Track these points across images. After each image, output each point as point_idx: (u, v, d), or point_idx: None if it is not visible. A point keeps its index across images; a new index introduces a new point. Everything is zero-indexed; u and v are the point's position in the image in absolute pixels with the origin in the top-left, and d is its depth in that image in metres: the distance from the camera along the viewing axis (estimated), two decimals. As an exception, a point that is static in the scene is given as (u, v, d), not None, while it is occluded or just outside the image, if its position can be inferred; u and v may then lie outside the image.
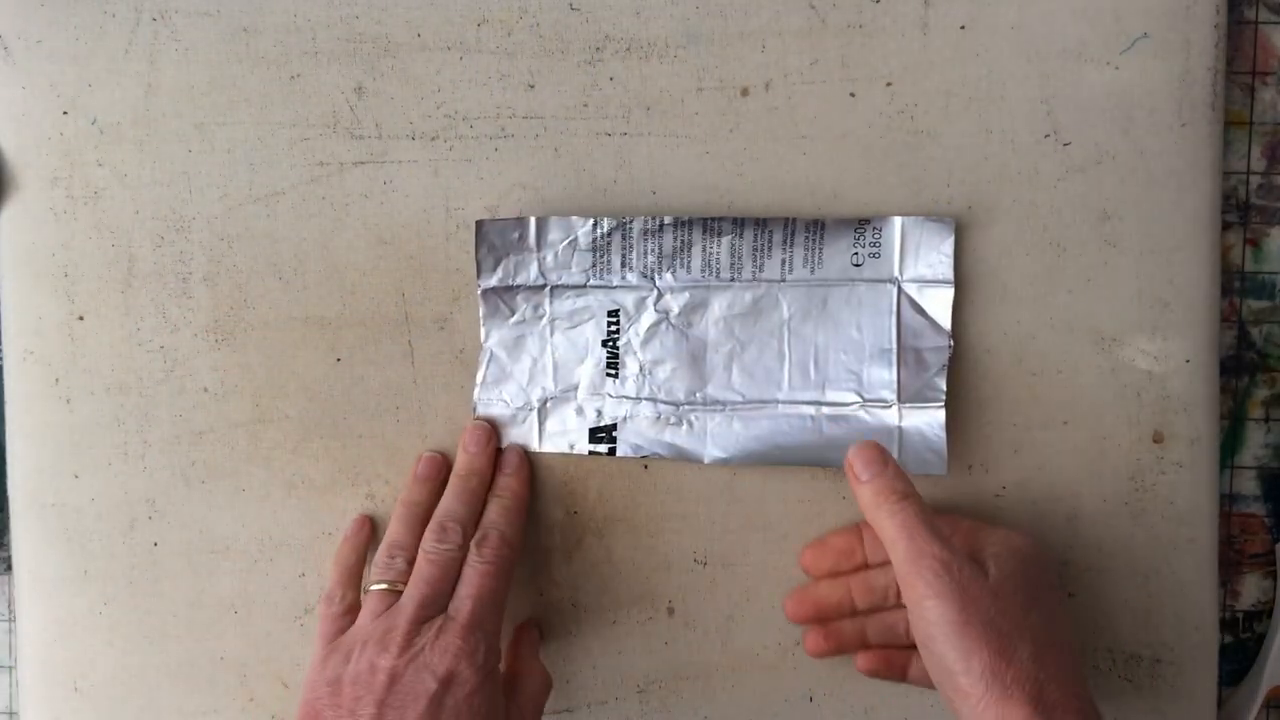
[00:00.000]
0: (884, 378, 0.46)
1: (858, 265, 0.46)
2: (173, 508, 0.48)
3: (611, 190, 0.47)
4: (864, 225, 0.46)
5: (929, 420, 0.46)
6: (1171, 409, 0.47)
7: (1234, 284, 0.49)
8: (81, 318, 0.47)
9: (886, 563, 0.44)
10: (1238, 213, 0.49)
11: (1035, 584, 0.40)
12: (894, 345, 0.46)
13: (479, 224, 0.46)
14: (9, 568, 0.50)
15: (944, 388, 0.46)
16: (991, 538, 0.42)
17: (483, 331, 0.47)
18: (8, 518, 0.49)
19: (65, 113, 0.47)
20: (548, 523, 0.48)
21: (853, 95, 0.46)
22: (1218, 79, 0.46)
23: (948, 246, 0.46)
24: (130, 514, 0.48)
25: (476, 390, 0.47)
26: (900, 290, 0.46)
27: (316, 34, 0.46)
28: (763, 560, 0.48)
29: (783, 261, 0.46)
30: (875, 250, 0.46)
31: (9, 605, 0.51)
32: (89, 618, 0.48)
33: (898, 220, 0.46)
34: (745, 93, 0.46)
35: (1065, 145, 0.46)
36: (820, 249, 0.46)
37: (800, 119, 0.46)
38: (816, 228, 0.46)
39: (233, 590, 0.48)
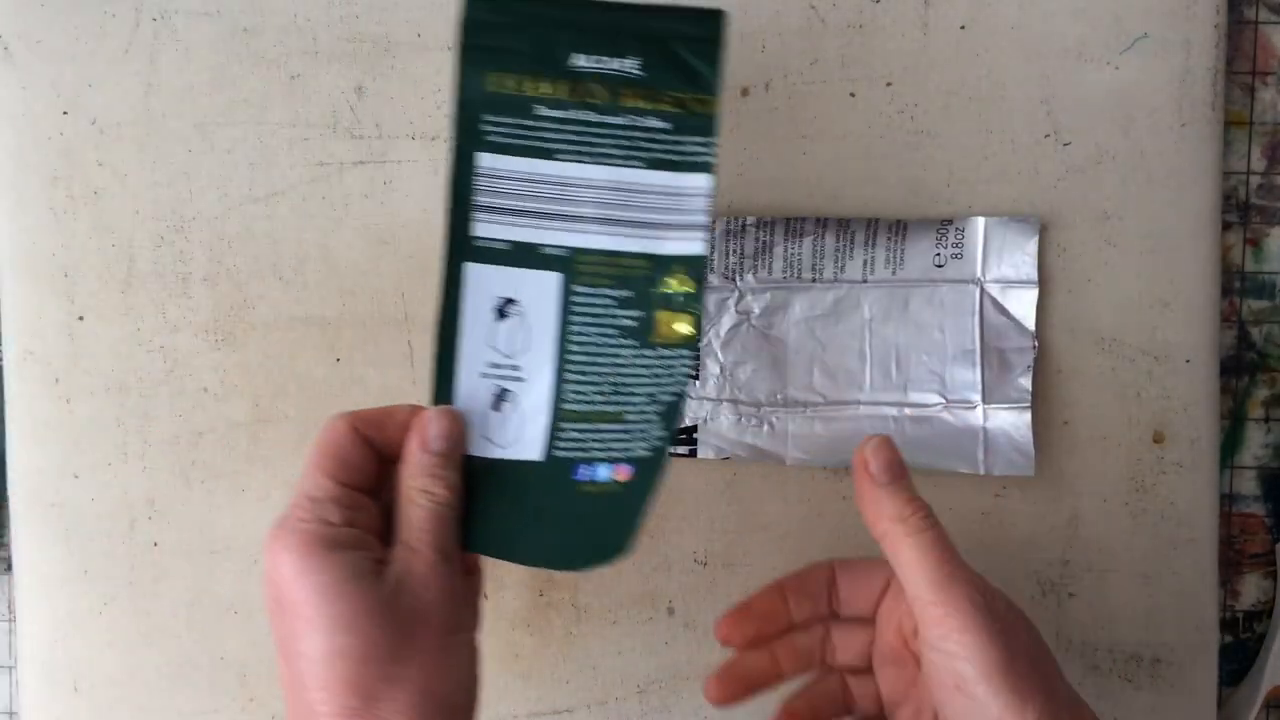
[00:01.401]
0: (967, 378, 0.46)
1: (940, 266, 0.46)
2: (173, 508, 0.48)
3: (611, 190, 0.47)
4: (946, 226, 0.46)
5: (1015, 422, 0.46)
6: (1171, 409, 0.47)
7: (1234, 284, 0.49)
8: (81, 318, 0.47)
9: (813, 621, 0.40)
10: (1238, 213, 0.49)
11: (1025, 664, 0.35)
12: (977, 346, 0.46)
13: None
14: (9, 568, 0.50)
15: (1029, 388, 0.46)
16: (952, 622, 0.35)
17: None
18: (8, 518, 0.49)
19: (65, 113, 0.47)
20: (548, 523, 0.48)
21: (853, 95, 0.46)
22: (1218, 79, 0.46)
23: (1031, 246, 0.46)
24: (130, 514, 0.48)
25: None
26: (983, 291, 0.46)
27: (316, 34, 0.46)
28: (763, 560, 0.48)
29: (865, 262, 0.46)
30: (957, 251, 0.46)
31: (9, 605, 0.51)
32: (89, 618, 0.48)
33: (980, 220, 0.46)
34: (745, 93, 0.46)
35: (1065, 145, 0.46)
36: (902, 250, 0.46)
37: (800, 119, 0.46)
38: (899, 228, 0.46)
39: (233, 590, 0.48)
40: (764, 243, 0.46)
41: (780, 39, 0.46)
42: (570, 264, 0.37)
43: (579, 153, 0.37)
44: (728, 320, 0.47)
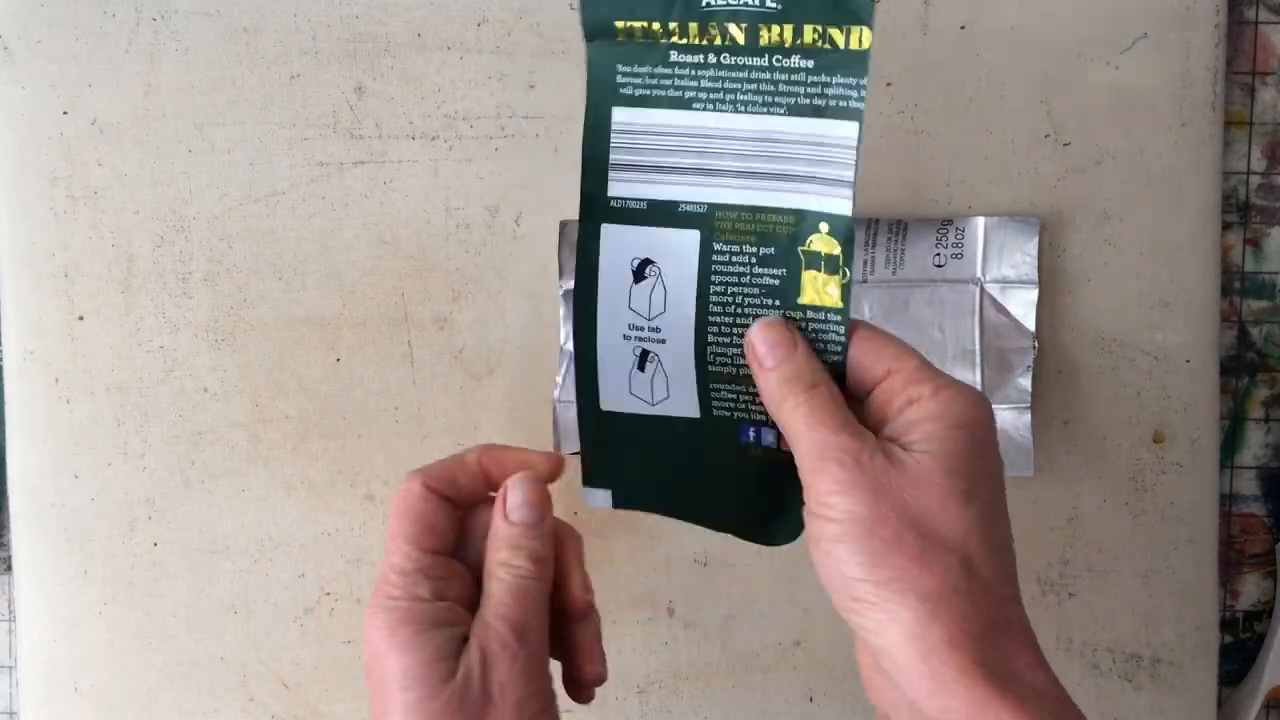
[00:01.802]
0: (967, 378, 0.46)
1: (940, 266, 0.46)
2: (173, 508, 0.48)
3: (611, 190, 0.47)
4: (946, 226, 0.46)
5: (1015, 422, 0.46)
6: (1171, 409, 0.47)
7: (1234, 284, 0.49)
8: (81, 318, 0.47)
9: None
10: (1238, 213, 0.49)
11: (977, 468, 0.32)
12: (977, 346, 0.46)
13: (563, 225, 0.46)
14: (9, 568, 0.50)
15: (1029, 389, 0.46)
16: (927, 408, 0.32)
17: (562, 333, 0.47)
18: (8, 518, 0.49)
19: (65, 113, 0.47)
20: (548, 523, 0.48)
21: (853, 95, 0.46)
22: (1218, 79, 0.46)
23: (1031, 247, 0.46)
24: (130, 514, 0.48)
25: (556, 391, 0.47)
26: (983, 291, 0.46)
27: (316, 34, 0.46)
28: (763, 560, 0.48)
29: (864, 262, 0.46)
30: (958, 251, 0.46)
31: (9, 605, 0.51)
32: (89, 618, 0.48)
33: (980, 220, 0.46)
34: (745, 93, 0.46)
35: (1065, 145, 0.46)
36: (902, 250, 0.46)
37: (800, 119, 0.46)
38: (899, 228, 0.46)
39: (233, 590, 0.48)
40: None
41: (780, 39, 0.46)
42: (709, 220, 0.34)
43: (717, 100, 0.34)
44: None
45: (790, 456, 0.33)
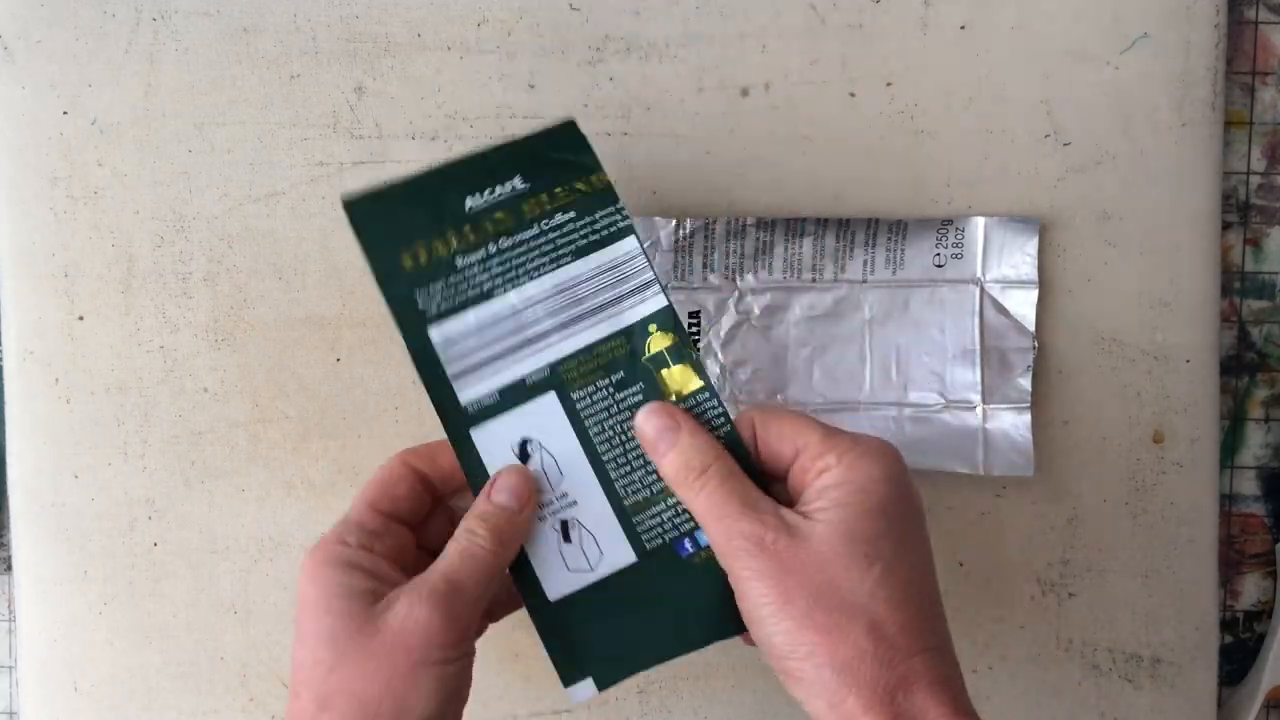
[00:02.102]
0: (967, 379, 0.46)
1: (940, 266, 0.46)
2: (173, 508, 0.48)
3: (611, 190, 0.47)
4: (946, 226, 0.46)
5: (1014, 422, 0.46)
6: (1171, 409, 0.47)
7: (1234, 284, 0.49)
8: (81, 318, 0.47)
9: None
10: (1238, 213, 0.49)
11: (878, 527, 0.33)
12: (977, 346, 0.46)
13: None
14: (9, 568, 0.50)
15: (1029, 389, 0.46)
16: (834, 475, 0.34)
17: None
18: (8, 518, 0.49)
19: (65, 113, 0.47)
20: (548, 523, 0.48)
21: (853, 95, 0.46)
22: (1218, 79, 0.46)
23: (1031, 247, 0.46)
24: (130, 514, 0.48)
25: None
26: (983, 291, 0.46)
27: (316, 34, 0.46)
28: (763, 560, 0.48)
29: (864, 262, 0.46)
30: (958, 251, 0.46)
31: (9, 605, 0.51)
32: (89, 618, 0.48)
33: (980, 220, 0.46)
34: (745, 93, 0.46)
35: (1065, 145, 0.46)
36: (902, 250, 0.46)
37: (800, 119, 0.46)
38: (899, 228, 0.46)
39: (233, 590, 0.48)
40: (764, 243, 0.46)
41: (780, 39, 0.46)
42: (558, 378, 0.38)
43: (513, 279, 0.38)
44: (728, 320, 0.47)
45: None
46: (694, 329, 0.47)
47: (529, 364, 0.38)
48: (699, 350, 0.37)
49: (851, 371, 0.46)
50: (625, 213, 0.38)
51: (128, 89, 0.47)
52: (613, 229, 0.38)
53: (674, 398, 0.37)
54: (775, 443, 0.36)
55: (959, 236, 0.46)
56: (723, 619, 0.36)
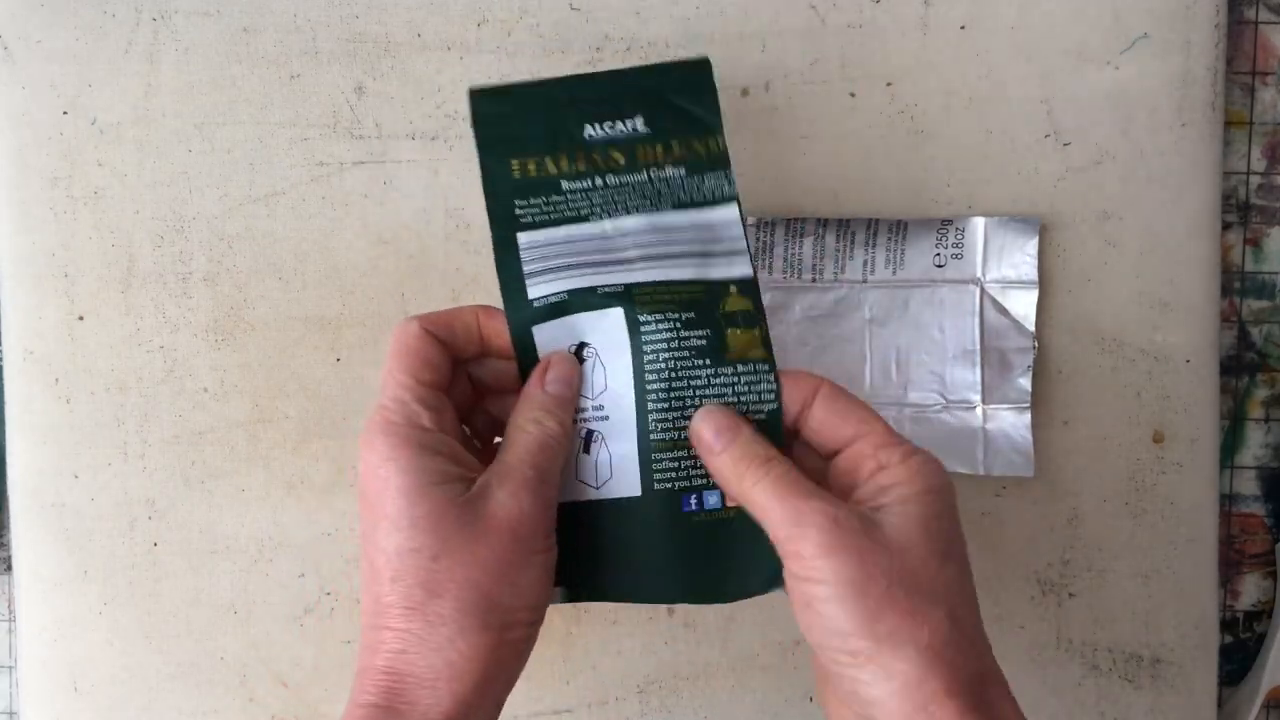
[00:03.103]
0: (967, 379, 0.46)
1: (940, 266, 0.46)
2: (173, 508, 0.48)
3: (611, 190, 0.47)
4: (946, 226, 0.46)
5: (1014, 422, 0.46)
6: (1171, 409, 0.47)
7: (1234, 284, 0.49)
8: (81, 318, 0.47)
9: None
10: (1238, 213, 0.49)
11: (949, 530, 0.34)
12: (977, 346, 0.46)
13: None
14: (9, 568, 0.50)
15: (1029, 389, 0.46)
16: (898, 473, 0.34)
17: None
18: (8, 518, 0.49)
19: (65, 113, 0.47)
20: (548, 523, 0.48)
21: (853, 95, 0.46)
22: (1218, 79, 0.46)
23: (1031, 247, 0.46)
24: (130, 514, 0.48)
25: None
26: (983, 291, 0.46)
27: (316, 34, 0.46)
28: (763, 560, 0.48)
29: (865, 263, 0.46)
30: (958, 251, 0.46)
31: (9, 605, 0.51)
32: (89, 618, 0.48)
33: (980, 220, 0.46)
34: (745, 93, 0.46)
35: (1065, 145, 0.46)
36: (902, 250, 0.46)
37: (800, 119, 0.46)
38: (899, 228, 0.46)
39: (233, 590, 0.48)
40: (764, 243, 0.46)
41: (780, 39, 0.46)
42: (629, 297, 0.37)
43: (610, 211, 0.38)
44: None
45: (737, 511, 0.36)
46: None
47: (606, 278, 0.37)
48: (768, 329, 0.37)
49: (851, 371, 0.46)
50: (733, 180, 0.38)
51: (128, 89, 0.47)
52: (719, 194, 0.38)
53: (736, 357, 0.37)
54: (837, 420, 0.35)
55: (959, 236, 0.46)
56: (696, 585, 0.36)
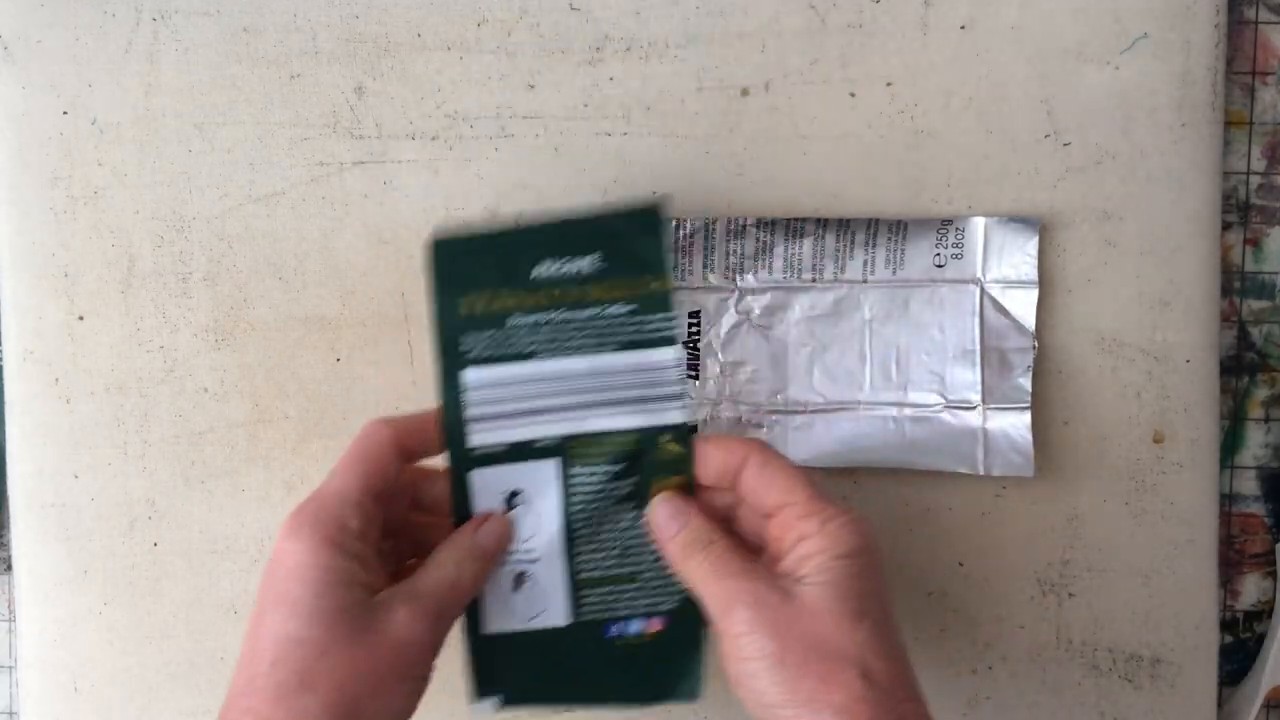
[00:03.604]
0: (967, 379, 0.46)
1: (940, 266, 0.46)
2: (173, 508, 0.48)
3: (611, 190, 0.47)
4: (946, 226, 0.46)
5: (1014, 422, 0.46)
6: (1171, 409, 0.47)
7: (1234, 284, 0.49)
8: (81, 318, 0.47)
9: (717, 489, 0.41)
10: (1238, 213, 0.49)
11: (865, 588, 0.36)
12: (977, 346, 0.46)
13: None
14: (9, 568, 0.50)
15: (1029, 389, 0.45)
16: (816, 543, 0.37)
17: None
18: (8, 518, 0.49)
19: (65, 113, 0.47)
20: (548, 523, 0.48)
21: (853, 95, 0.46)
22: (1218, 79, 0.46)
23: (1031, 247, 0.46)
24: (130, 514, 0.48)
25: None
26: (983, 291, 0.46)
27: (316, 34, 0.46)
28: (763, 560, 0.48)
29: (864, 262, 0.46)
30: (958, 251, 0.46)
31: (9, 605, 0.51)
32: (89, 618, 0.48)
33: (980, 220, 0.46)
34: (745, 93, 0.46)
35: (1065, 145, 0.46)
36: (902, 250, 0.46)
37: (800, 119, 0.46)
38: (899, 228, 0.46)
39: (233, 590, 0.48)
40: (764, 243, 0.46)
41: (780, 39, 0.46)
42: (564, 450, 0.40)
43: (555, 349, 0.39)
44: (728, 320, 0.47)
45: (655, 635, 0.40)
46: (694, 329, 0.47)
47: (543, 429, 0.39)
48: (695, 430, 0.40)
49: (851, 372, 0.46)
50: (673, 323, 0.40)
51: (128, 89, 0.47)
52: (661, 335, 0.40)
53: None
54: (764, 489, 0.38)
55: (959, 236, 0.46)
56: (622, 694, 0.40)
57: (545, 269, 0.40)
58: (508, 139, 0.46)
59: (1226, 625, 0.50)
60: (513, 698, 0.40)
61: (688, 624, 0.40)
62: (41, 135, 0.47)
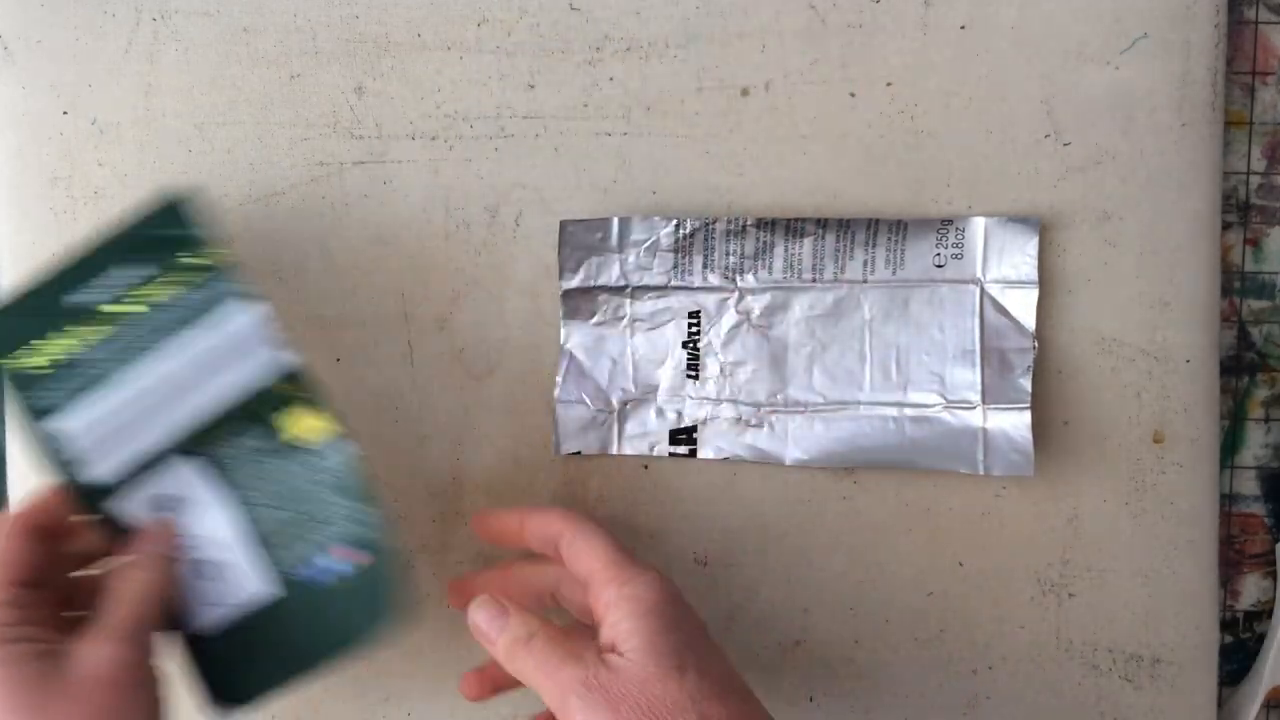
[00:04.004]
0: (967, 379, 0.46)
1: (940, 266, 0.46)
2: (173, 508, 0.48)
3: (611, 190, 0.47)
4: (946, 226, 0.46)
5: (1014, 422, 0.45)
6: (1171, 409, 0.47)
7: (1234, 284, 0.49)
8: (81, 318, 0.47)
9: (546, 561, 0.43)
10: (1238, 213, 0.49)
11: (676, 640, 0.38)
12: (977, 346, 0.46)
13: (563, 224, 0.46)
14: (9, 568, 0.50)
15: (1029, 389, 0.45)
16: (619, 610, 0.39)
17: (562, 333, 0.47)
18: (8, 518, 0.49)
19: (65, 113, 0.47)
20: (548, 523, 0.48)
21: (853, 95, 0.46)
22: (1218, 79, 0.46)
23: (1031, 247, 0.46)
24: (130, 514, 0.48)
25: (556, 391, 0.47)
26: (983, 291, 0.46)
27: (316, 34, 0.46)
28: (763, 560, 0.48)
29: (864, 262, 0.46)
30: (958, 251, 0.46)
31: (9, 605, 0.51)
32: (89, 618, 0.48)
33: (980, 221, 0.46)
34: (745, 93, 0.46)
35: (1065, 145, 0.46)
36: (902, 250, 0.46)
37: (800, 119, 0.46)
38: (899, 228, 0.46)
39: (233, 590, 0.48)
40: (764, 243, 0.46)
41: (780, 39, 0.46)
42: (189, 438, 0.41)
43: (131, 360, 0.40)
44: (728, 320, 0.47)
45: (364, 566, 0.40)
46: (694, 329, 0.47)
47: (159, 432, 0.40)
48: (328, 405, 0.41)
49: (851, 371, 0.46)
50: (242, 280, 0.41)
51: (128, 89, 0.47)
52: (230, 298, 0.41)
53: (297, 441, 0.41)
54: (576, 563, 0.41)
55: (959, 236, 0.46)
56: (354, 637, 0.40)
57: (90, 295, 0.40)
58: (508, 139, 0.46)
59: (1226, 625, 0.50)
60: (247, 693, 0.41)
61: (380, 551, 0.41)
62: (41, 135, 0.47)
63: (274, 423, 0.41)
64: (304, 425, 0.41)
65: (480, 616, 0.40)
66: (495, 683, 0.45)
